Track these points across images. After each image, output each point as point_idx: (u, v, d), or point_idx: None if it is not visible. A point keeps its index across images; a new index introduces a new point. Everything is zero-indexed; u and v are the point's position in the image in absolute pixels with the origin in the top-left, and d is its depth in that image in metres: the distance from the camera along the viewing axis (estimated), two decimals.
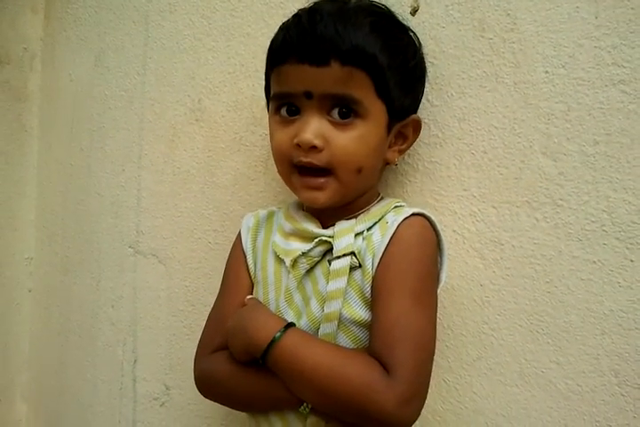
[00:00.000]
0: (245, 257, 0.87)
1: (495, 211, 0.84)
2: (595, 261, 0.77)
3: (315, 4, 0.81)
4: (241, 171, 1.09)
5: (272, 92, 0.81)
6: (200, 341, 0.87)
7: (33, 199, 1.45)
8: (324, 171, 0.77)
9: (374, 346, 0.72)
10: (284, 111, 0.79)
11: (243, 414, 1.07)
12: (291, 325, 0.74)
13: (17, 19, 1.41)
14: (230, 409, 1.09)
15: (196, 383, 0.85)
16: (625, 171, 0.76)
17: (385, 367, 0.69)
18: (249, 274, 0.87)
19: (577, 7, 0.78)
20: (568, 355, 0.79)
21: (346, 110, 0.75)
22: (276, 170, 1.04)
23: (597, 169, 0.77)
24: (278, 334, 0.72)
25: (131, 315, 1.24)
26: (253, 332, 0.74)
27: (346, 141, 0.75)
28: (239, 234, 0.90)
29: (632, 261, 0.75)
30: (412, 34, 0.85)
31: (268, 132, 1.04)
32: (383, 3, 0.85)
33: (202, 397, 1.12)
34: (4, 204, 1.41)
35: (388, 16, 0.82)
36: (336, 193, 0.78)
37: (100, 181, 1.31)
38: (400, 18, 0.85)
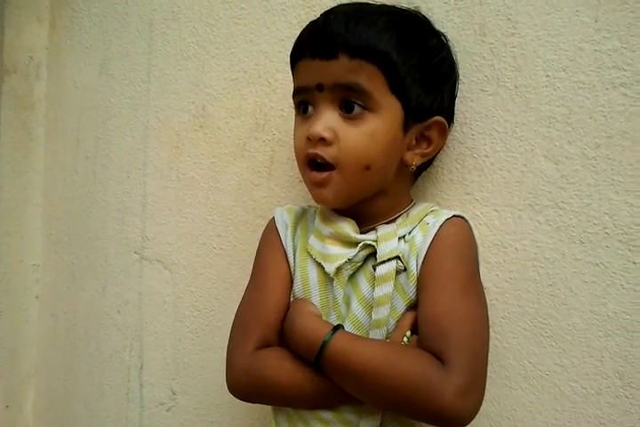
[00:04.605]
0: (286, 254, 0.84)
1: (497, 214, 0.84)
2: (597, 264, 0.77)
3: (336, 6, 0.82)
4: (244, 176, 1.09)
5: (293, 90, 0.82)
6: (236, 336, 0.82)
7: (39, 206, 1.46)
8: (330, 167, 0.76)
9: (425, 338, 0.71)
10: (301, 109, 0.80)
11: (250, 419, 1.08)
12: (338, 327, 0.74)
13: (22, 28, 1.42)
14: (236, 414, 1.09)
15: (236, 383, 0.79)
16: (627, 173, 0.76)
17: (439, 359, 0.68)
18: (289, 268, 0.83)
19: (577, 11, 0.79)
20: (572, 357, 0.79)
21: (353, 102, 0.75)
22: (279, 175, 1.05)
23: (599, 172, 0.77)
24: (327, 337, 0.72)
25: (137, 320, 1.24)
26: (302, 338, 0.74)
27: (355, 137, 0.75)
28: (273, 228, 0.86)
29: (634, 263, 0.75)
30: (442, 38, 0.84)
31: (270, 138, 1.06)
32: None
33: (208, 402, 1.13)
34: (10, 211, 1.42)
35: (409, 17, 0.81)
36: (341, 190, 0.77)
37: (106, 188, 1.31)
38: (433, 23, 0.85)
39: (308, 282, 0.81)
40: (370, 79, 0.74)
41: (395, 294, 0.75)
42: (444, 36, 0.84)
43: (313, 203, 0.85)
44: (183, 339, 1.17)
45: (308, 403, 0.77)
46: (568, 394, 0.79)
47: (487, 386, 0.83)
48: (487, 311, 0.75)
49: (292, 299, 0.83)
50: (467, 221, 0.80)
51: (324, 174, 0.76)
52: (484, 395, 0.70)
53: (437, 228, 0.76)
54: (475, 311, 0.73)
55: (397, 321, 0.76)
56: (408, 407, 0.69)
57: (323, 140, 0.75)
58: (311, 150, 0.76)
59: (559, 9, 0.80)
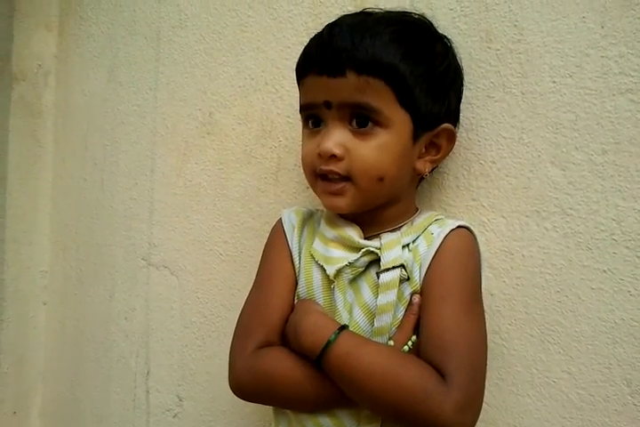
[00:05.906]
0: (291, 255, 0.84)
1: (504, 220, 0.84)
2: (605, 270, 0.77)
3: (340, 17, 0.81)
4: (251, 183, 1.10)
5: (299, 105, 0.82)
6: (239, 337, 0.82)
7: (47, 213, 1.47)
8: (345, 178, 0.77)
9: (427, 352, 0.72)
10: (310, 123, 0.80)
11: (255, 426, 1.07)
12: (344, 327, 0.74)
13: (31, 36, 1.44)
14: (242, 420, 1.09)
15: (237, 382, 0.79)
16: (634, 179, 0.76)
17: (439, 372, 0.69)
18: (294, 270, 0.83)
19: (583, 17, 0.79)
20: (579, 364, 0.78)
21: (363, 119, 0.75)
22: (285, 182, 1.05)
23: (606, 178, 0.77)
24: (332, 337, 0.72)
25: (144, 327, 1.24)
26: (306, 335, 0.74)
27: (366, 151, 0.75)
28: (280, 229, 0.87)
29: None
30: (446, 41, 0.84)
31: (277, 144, 1.06)
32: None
33: (214, 408, 1.13)
34: (19, 218, 1.42)
35: (413, 25, 0.81)
36: (355, 199, 0.78)
37: (114, 195, 1.32)
38: (435, 25, 0.84)
39: (312, 285, 0.81)
40: (378, 96, 0.74)
41: (397, 302, 0.75)
42: (447, 39, 0.84)
43: (320, 207, 0.86)
44: (190, 345, 1.17)
45: (307, 402, 0.77)
46: (575, 401, 0.79)
47: (494, 393, 0.84)
48: (485, 326, 0.76)
49: (296, 301, 0.83)
50: (472, 231, 0.79)
51: (340, 185, 0.77)
52: (480, 411, 0.71)
53: (442, 238, 0.76)
54: (477, 327, 0.74)
55: (400, 323, 0.76)
56: (405, 418, 0.70)
57: (334, 157, 0.76)
58: (324, 167, 0.77)
59: (565, 15, 0.80)
